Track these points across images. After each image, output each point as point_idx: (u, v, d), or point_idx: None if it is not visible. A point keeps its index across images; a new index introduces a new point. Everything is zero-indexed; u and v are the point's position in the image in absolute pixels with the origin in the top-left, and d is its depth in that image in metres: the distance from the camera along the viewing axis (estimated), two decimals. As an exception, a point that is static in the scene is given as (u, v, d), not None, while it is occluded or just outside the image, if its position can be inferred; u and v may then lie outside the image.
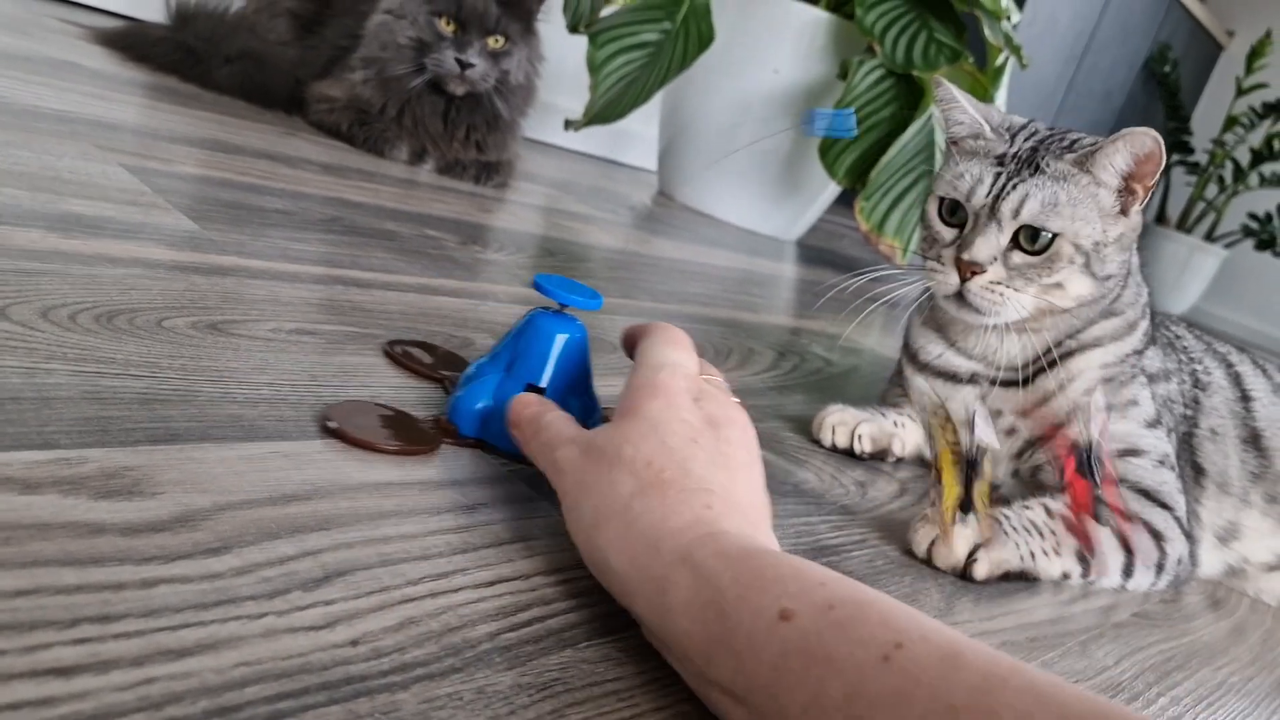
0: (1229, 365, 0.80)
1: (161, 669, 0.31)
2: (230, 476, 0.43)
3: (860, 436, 0.75)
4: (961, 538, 0.60)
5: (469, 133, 1.29)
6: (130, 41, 1.34)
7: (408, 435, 0.54)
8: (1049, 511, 0.65)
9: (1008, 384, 0.74)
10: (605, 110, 1.66)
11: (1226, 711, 0.58)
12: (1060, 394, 0.71)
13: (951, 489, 0.60)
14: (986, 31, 1.66)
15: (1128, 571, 0.67)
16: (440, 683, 0.36)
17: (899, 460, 0.78)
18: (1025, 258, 0.67)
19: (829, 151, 1.70)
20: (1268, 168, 3.65)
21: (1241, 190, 3.72)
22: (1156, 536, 0.68)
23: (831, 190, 1.96)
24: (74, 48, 1.26)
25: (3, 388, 0.44)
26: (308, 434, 0.50)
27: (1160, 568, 0.68)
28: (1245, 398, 0.78)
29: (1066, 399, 0.71)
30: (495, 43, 1.25)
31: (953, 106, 0.72)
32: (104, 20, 1.49)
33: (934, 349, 0.77)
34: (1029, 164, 0.68)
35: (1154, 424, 0.72)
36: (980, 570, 0.60)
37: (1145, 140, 0.65)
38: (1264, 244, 3.64)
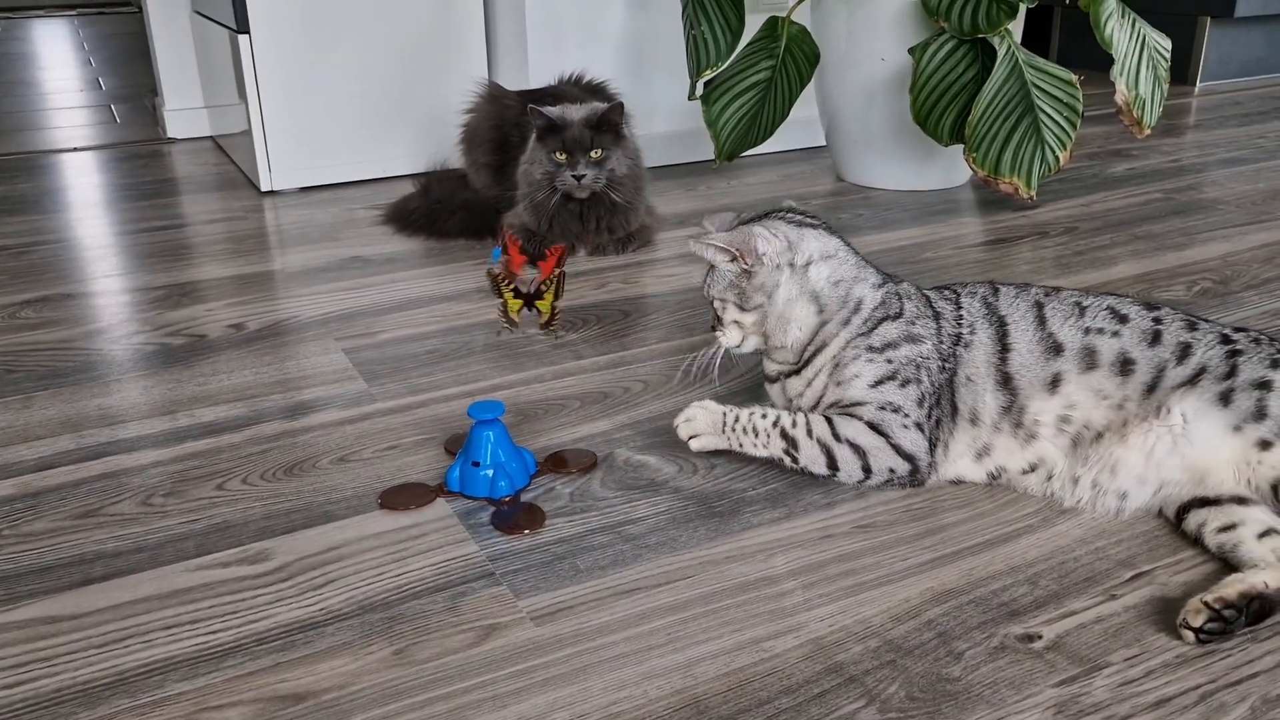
0: (1002, 325, 1.07)
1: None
2: (319, 538, 1.00)
3: None
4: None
5: (598, 222, 1.79)
6: (397, 215, 2.02)
7: (420, 496, 1.08)
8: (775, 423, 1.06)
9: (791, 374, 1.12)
10: (735, 147, 2.06)
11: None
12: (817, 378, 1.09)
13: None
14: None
15: (832, 467, 1.04)
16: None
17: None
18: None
19: (927, 120, 1.94)
20: None
21: None
22: (859, 451, 1.03)
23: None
24: (363, 236, 1.96)
25: (231, 516, 1.04)
26: (370, 509, 1.05)
27: (867, 470, 1.04)
28: (1005, 349, 1.05)
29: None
30: (596, 154, 1.73)
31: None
32: (392, 186, 2.17)
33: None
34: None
35: (880, 382, 1.04)
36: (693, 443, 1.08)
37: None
38: None
